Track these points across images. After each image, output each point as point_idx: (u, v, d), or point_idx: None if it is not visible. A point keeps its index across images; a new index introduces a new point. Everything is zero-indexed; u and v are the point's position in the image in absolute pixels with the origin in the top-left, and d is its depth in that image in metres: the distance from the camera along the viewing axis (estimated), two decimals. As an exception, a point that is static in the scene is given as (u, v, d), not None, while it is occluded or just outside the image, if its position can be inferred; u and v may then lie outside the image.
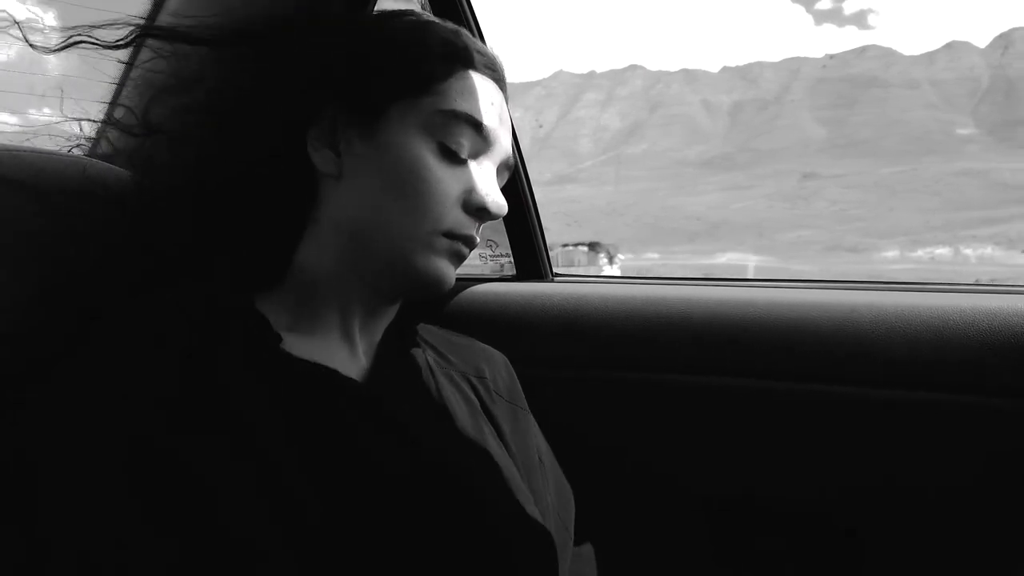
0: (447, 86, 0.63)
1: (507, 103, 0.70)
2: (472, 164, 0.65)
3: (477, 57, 0.66)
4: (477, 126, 0.64)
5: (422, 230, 0.62)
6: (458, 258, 0.66)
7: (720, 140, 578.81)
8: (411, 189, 0.61)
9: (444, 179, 0.62)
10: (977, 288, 1.08)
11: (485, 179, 0.66)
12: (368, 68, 0.63)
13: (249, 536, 0.49)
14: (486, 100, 0.65)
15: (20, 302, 0.59)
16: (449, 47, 0.64)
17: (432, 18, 0.68)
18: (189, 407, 0.52)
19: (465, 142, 0.63)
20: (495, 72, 0.68)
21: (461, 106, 0.63)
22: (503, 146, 0.68)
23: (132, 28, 0.67)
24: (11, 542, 0.47)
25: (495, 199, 0.65)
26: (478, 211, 0.65)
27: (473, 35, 0.69)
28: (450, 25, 0.68)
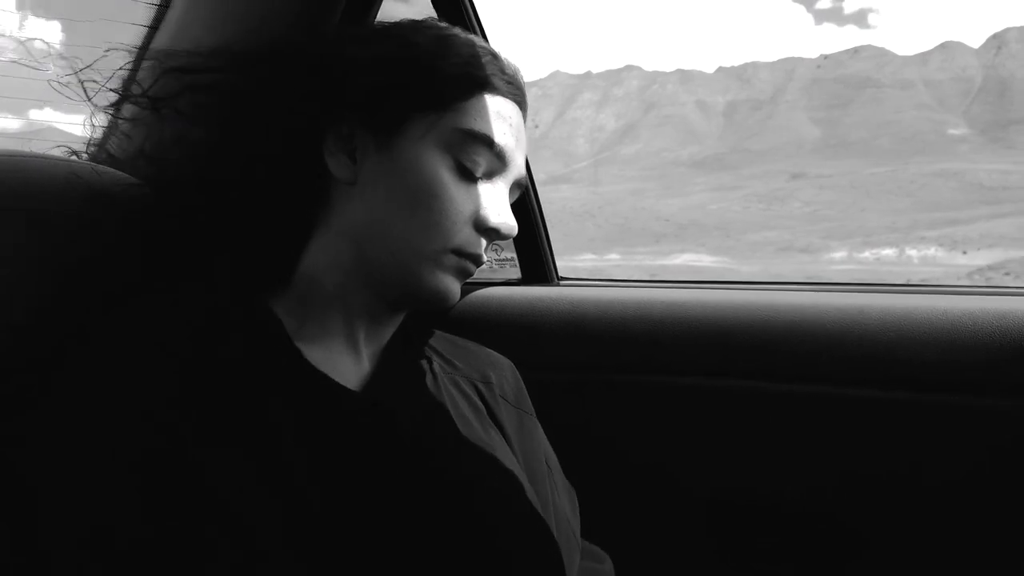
0: (467, 105, 0.63)
1: (525, 122, 0.70)
2: (486, 183, 0.66)
3: (499, 78, 0.66)
4: (494, 147, 0.64)
5: (431, 246, 0.62)
6: (464, 275, 0.66)
7: (714, 140, 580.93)
8: (424, 205, 0.61)
9: (458, 197, 0.63)
10: (985, 290, 1.08)
11: (498, 199, 0.66)
12: (390, 82, 0.63)
13: (255, 542, 0.48)
14: (505, 121, 0.65)
15: (21, 305, 0.59)
16: (472, 67, 0.64)
17: (458, 32, 0.67)
18: (190, 412, 0.51)
19: (481, 161, 0.64)
20: (516, 92, 0.68)
21: (480, 126, 0.63)
22: (518, 166, 0.68)
23: (152, 65, 0.67)
24: (11, 545, 0.47)
25: (506, 221, 0.66)
26: (488, 231, 0.65)
27: (475, 33, 0.69)
28: (476, 43, 0.67)
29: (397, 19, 0.70)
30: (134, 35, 0.70)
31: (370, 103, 0.63)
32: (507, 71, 0.68)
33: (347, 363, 0.65)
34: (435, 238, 0.62)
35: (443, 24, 0.69)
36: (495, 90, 0.65)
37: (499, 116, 0.65)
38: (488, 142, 0.63)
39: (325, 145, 0.63)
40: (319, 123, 0.63)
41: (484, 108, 0.64)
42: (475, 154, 0.63)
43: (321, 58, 0.65)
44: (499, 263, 1.37)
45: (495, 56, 0.67)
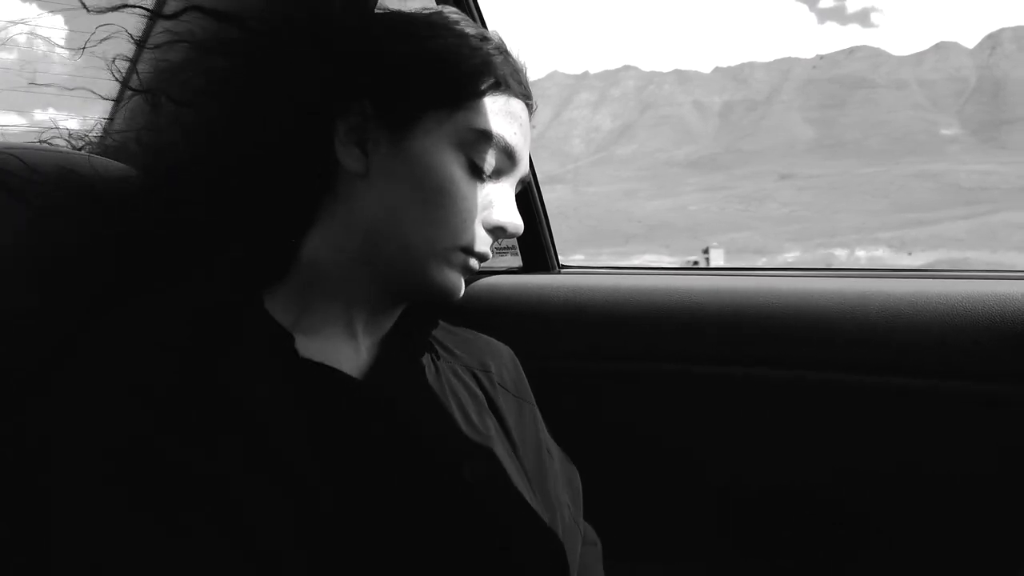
0: (482, 104, 0.64)
1: (531, 120, 0.71)
2: (494, 182, 0.67)
3: (512, 77, 0.67)
4: (506, 147, 0.65)
5: (441, 244, 0.63)
6: (469, 272, 0.67)
7: (709, 141, 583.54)
8: (437, 202, 0.62)
9: (468, 195, 0.63)
10: (986, 275, 1.07)
11: (505, 198, 0.67)
12: (408, 76, 0.63)
13: (259, 535, 0.48)
14: (516, 121, 0.66)
15: (21, 301, 0.58)
16: (487, 66, 0.65)
17: (471, 27, 0.68)
18: (192, 408, 0.52)
19: (492, 160, 0.65)
20: (526, 91, 0.69)
21: (494, 127, 0.63)
22: (524, 166, 0.69)
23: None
24: (15, 544, 0.47)
25: (513, 220, 0.67)
26: (496, 229, 0.66)
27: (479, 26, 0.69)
28: (490, 39, 0.68)
29: (396, 8, 0.68)
30: (135, 23, 0.69)
31: (385, 98, 0.63)
32: (519, 70, 0.68)
33: (346, 353, 0.65)
34: (446, 235, 0.63)
35: (454, 16, 0.68)
36: (508, 89, 0.66)
37: (511, 116, 0.65)
38: (500, 142, 0.64)
39: (336, 135, 0.63)
40: (331, 112, 0.63)
41: (499, 108, 0.64)
42: (487, 153, 0.64)
43: (335, 47, 0.64)
44: (499, 251, 1.35)
45: (507, 54, 0.68)
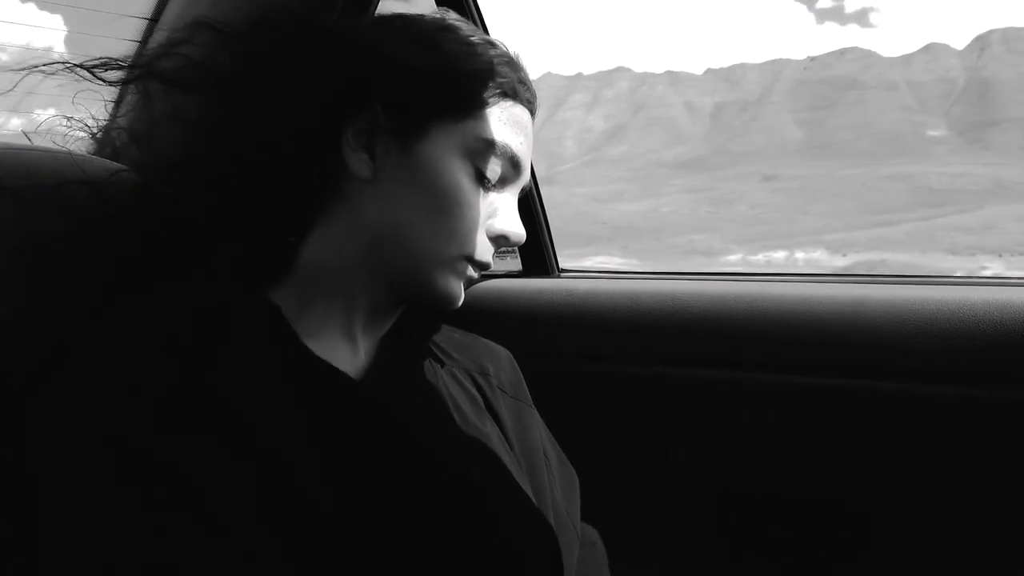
0: (490, 113, 0.64)
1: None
2: (498, 191, 0.68)
3: (519, 86, 0.67)
4: (512, 157, 0.66)
5: (448, 252, 0.64)
6: (470, 282, 0.68)
7: (699, 142, 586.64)
8: (445, 211, 0.63)
9: (474, 204, 0.64)
10: (987, 281, 1.10)
11: (508, 207, 0.68)
12: (419, 83, 0.63)
13: (259, 535, 0.49)
14: (523, 131, 0.67)
15: (20, 302, 0.58)
16: (495, 75, 0.65)
17: (478, 35, 0.68)
18: (192, 408, 0.52)
19: (498, 170, 0.66)
20: (532, 99, 0.70)
21: (502, 137, 0.65)
22: (527, 176, 0.70)
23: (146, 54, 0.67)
24: (15, 544, 0.47)
25: (515, 229, 0.68)
26: (499, 238, 0.67)
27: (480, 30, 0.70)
28: (499, 47, 0.68)
29: (397, 11, 0.69)
30: (135, 27, 0.70)
31: (396, 105, 0.63)
32: (525, 78, 0.69)
33: (344, 354, 0.65)
34: (452, 244, 0.63)
35: (461, 23, 0.68)
36: (515, 98, 0.67)
37: (517, 125, 0.67)
38: (507, 152, 0.65)
39: (345, 139, 0.63)
40: (340, 117, 0.63)
41: (507, 118, 0.65)
42: (494, 163, 0.65)
43: (345, 53, 0.64)
44: (499, 254, 1.28)
45: (514, 62, 0.69)
